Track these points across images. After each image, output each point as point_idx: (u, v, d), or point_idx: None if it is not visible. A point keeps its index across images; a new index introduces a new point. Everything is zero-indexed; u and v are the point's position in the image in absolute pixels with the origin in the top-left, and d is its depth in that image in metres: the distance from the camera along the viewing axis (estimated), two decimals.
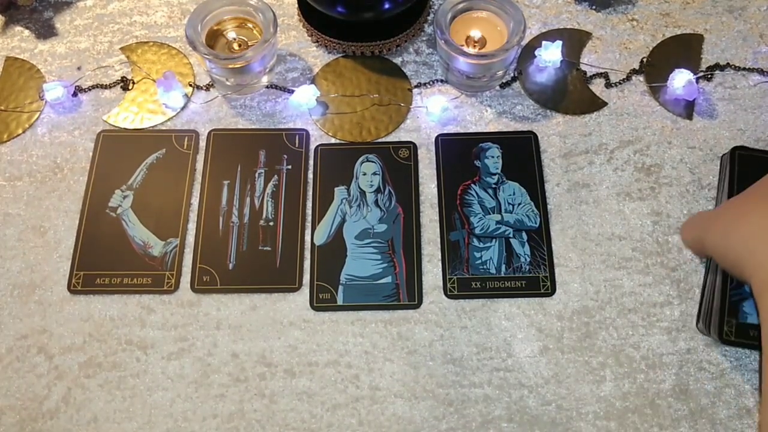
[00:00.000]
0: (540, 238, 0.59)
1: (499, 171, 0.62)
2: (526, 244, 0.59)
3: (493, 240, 0.59)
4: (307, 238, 0.60)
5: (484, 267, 0.58)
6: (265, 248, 0.60)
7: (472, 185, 0.61)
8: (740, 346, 0.52)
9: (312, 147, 0.64)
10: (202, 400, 0.54)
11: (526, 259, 0.58)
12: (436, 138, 0.64)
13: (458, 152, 0.63)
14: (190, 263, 0.59)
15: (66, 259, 0.59)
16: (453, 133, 0.64)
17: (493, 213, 0.60)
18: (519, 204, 0.60)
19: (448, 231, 0.60)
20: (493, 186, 0.61)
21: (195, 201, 0.62)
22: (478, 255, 0.59)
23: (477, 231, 0.59)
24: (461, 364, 0.55)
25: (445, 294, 0.57)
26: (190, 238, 0.60)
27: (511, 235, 0.59)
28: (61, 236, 0.60)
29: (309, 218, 0.61)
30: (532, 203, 0.60)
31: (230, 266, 0.59)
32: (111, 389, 0.55)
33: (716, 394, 0.54)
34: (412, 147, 0.63)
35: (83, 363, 0.56)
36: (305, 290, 0.58)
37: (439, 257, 0.59)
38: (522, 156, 0.62)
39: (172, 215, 0.61)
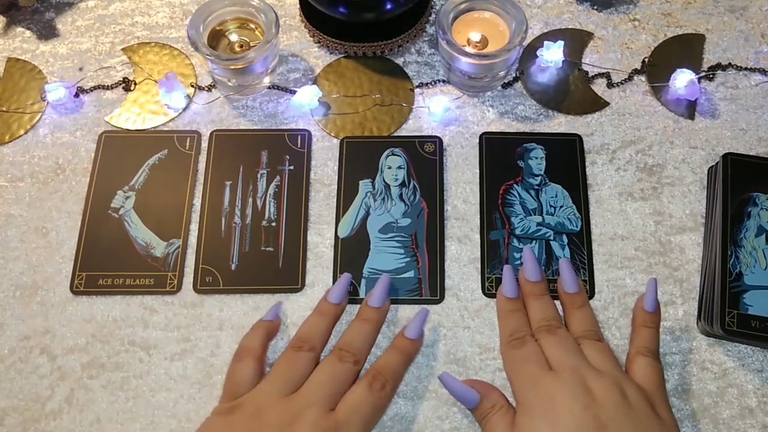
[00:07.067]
0: (581, 241, 0.59)
1: (542, 172, 0.61)
2: (567, 247, 0.59)
3: (533, 241, 0.59)
4: (310, 238, 0.60)
5: None
6: (267, 249, 0.60)
7: (515, 185, 0.61)
8: (742, 336, 0.52)
9: (314, 147, 0.64)
10: (206, 400, 0.54)
11: None
12: (481, 136, 0.63)
13: (501, 151, 0.63)
14: (193, 264, 0.59)
15: (68, 260, 0.59)
16: (498, 132, 0.64)
17: (534, 214, 0.60)
18: (561, 207, 0.60)
19: (489, 230, 0.59)
20: (536, 187, 0.61)
21: (197, 202, 0.62)
22: (517, 256, 0.59)
23: (517, 231, 0.59)
24: (464, 365, 0.55)
25: (483, 293, 0.57)
26: (193, 239, 0.60)
27: (551, 238, 0.59)
28: (63, 237, 0.60)
29: (311, 219, 0.61)
30: (574, 206, 0.60)
31: (233, 267, 0.59)
32: (114, 390, 0.55)
33: (719, 393, 0.54)
34: (437, 142, 0.63)
35: (86, 364, 0.56)
36: (308, 291, 0.58)
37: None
38: (566, 158, 0.62)
39: (174, 216, 0.61)
